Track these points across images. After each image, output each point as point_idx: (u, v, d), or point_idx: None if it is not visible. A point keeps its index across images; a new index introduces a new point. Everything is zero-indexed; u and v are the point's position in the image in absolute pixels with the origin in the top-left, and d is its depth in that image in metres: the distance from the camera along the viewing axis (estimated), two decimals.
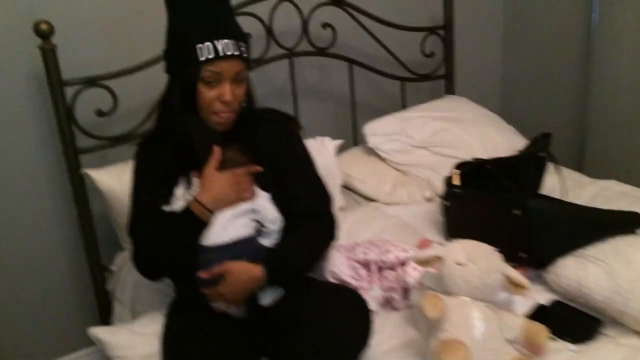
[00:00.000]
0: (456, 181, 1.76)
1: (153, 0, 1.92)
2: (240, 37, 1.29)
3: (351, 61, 2.31)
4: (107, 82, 1.82)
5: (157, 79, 1.97)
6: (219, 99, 1.27)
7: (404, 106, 2.51)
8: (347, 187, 2.12)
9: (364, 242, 1.59)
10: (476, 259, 1.19)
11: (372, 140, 2.18)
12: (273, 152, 1.39)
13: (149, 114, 1.93)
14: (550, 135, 1.88)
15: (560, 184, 1.74)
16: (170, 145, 1.33)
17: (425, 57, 2.50)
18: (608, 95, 2.46)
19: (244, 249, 1.28)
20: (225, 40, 1.23)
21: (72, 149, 1.79)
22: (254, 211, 1.32)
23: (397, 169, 2.18)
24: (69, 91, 1.76)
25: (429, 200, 2.01)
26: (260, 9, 2.03)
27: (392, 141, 2.19)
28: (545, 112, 2.76)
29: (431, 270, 1.25)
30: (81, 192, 1.84)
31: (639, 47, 2.31)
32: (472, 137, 2.18)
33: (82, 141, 1.82)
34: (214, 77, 1.25)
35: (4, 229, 1.93)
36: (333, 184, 1.90)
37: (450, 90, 2.60)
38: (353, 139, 2.39)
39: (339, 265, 1.46)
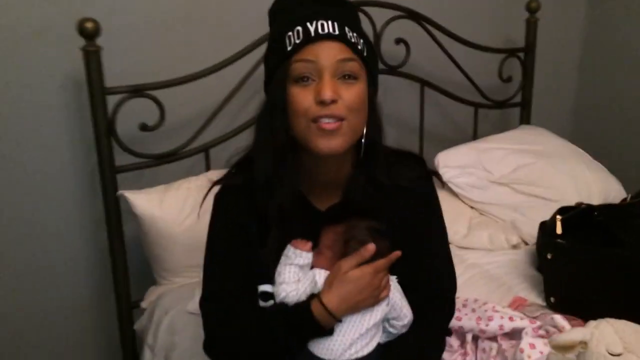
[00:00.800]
0: (559, 230, 1.47)
1: (206, 6, 1.84)
2: (347, 20, 0.95)
3: (424, 82, 2.05)
4: (154, 93, 1.59)
5: (206, 92, 1.85)
6: (316, 99, 0.92)
7: (475, 135, 2.25)
8: None
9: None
10: (638, 349, 0.90)
11: (445, 173, 1.90)
12: (408, 217, 1.06)
13: (198, 131, 1.69)
14: None
15: None
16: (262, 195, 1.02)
17: (502, 82, 2.23)
18: None
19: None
20: (322, 21, 0.92)
21: (110, 167, 1.55)
22: (388, 313, 1.03)
23: (472, 207, 1.90)
24: (111, 100, 1.53)
25: (514, 247, 1.72)
26: None
27: (468, 175, 1.91)
28: (624, 147, 2.46)
29: (569, 357, 0.96)
30: (115, 216, 1.60)
31: None
32: (561, 175, 1.89)
33: (119, 158, 1.59)
34: (307, 70, 0.92)
35: (24, 247, 1.70)
36: None
37: (526, 119, 2.32)
38: None
39: None
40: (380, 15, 1.89)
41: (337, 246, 1.03)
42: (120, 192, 1.57)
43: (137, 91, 1.55)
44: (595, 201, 1.87)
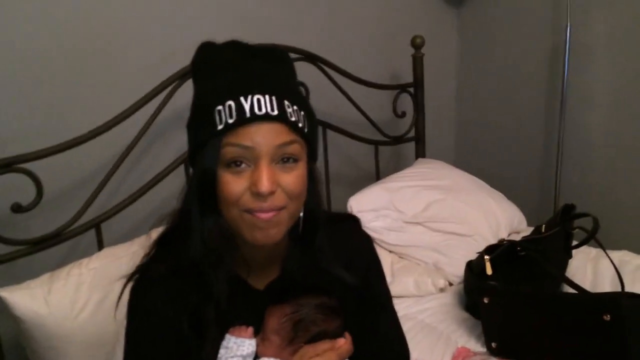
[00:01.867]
0: (489, 270, 1.46)
1: (81, 53, 1.60)
2: (286, 91, 0.80)
3: (326, 125, 1.98)
4: (27, 166, 1.32)
5: (87, 157, 1.59)
6: (251, 189, 0.78)
7: (377, 173, 2.22)
8: None
9: None
10: None
11: (360, 218, 1.82)
12: (351, 286, 0.94)
13: (80, 211, 1.44)
14: (574, 207, 1.65)
15: (616, 269, 1.47)
16: (191, 286, 0.86)
17: (397, 117, 2.24)
18: (579, 152, 2.33)
19: None
20: (258, 96, 0.77)
21: None
22: None
23: (391, 251, 1.84)
24: None
25: (442, 290, 1.68)
26: None
27: (383, 217, 1.85)
28: (504, 168, 2.61)
29: None
30: None
31: (609, 103, 2.21)
32: (471, 209, 1.90)
33: None
34: (241, 155, 0.77)
35: None
36: None
37: (421, 152, 2.35)
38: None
39: None
40: None
41: (284, 330, 0.89)
42: None
43: (7, 165, 1.28)
44: (504, 231, 1.92)
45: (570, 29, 2.17)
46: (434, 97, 2.50)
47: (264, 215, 0.79)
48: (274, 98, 0.78)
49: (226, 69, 0.82)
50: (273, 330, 0.89)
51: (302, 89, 1.89)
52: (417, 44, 2.22)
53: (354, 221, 1.07)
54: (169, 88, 1.56)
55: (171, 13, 1.70)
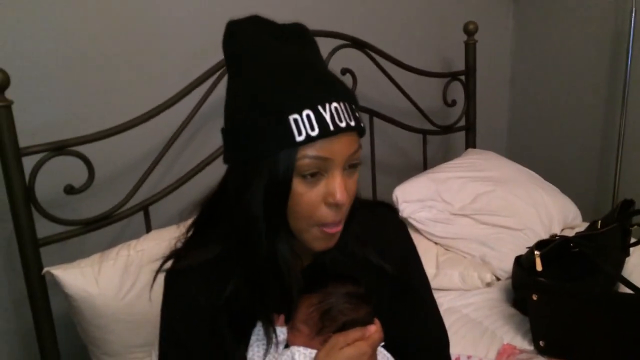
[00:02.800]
0: (539, 266, 1.40)
1: (128, 45, 1.61)
2: (349, 93, 0.78)
3: (373, 113, 1.95)
4: (79, 149, 1.36)
5: (136, 142, 1.63)
6: (325, 200, 0.77)
7: (425, 163, 2.17)
8: None
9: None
10: None
11: (405, 209, 1.80)
12: (388, 275, 0.92)
13: (135, 187, 1.47)
14: (633, 203, 1.56)
15: None
16: (237, 276, 0.84)
17: (447, 106, 2.18)
18: None
19: None
20: (335, 104, 0.74)
21: (32, 241, 1.30)
22: None
23: (436, 243, 1.80)
24: (26, 162, 1.28)
25: (488, 285, 1.63)
26: None
27: (428, 209, 1.81)
28: (560, 161, 2.50)
29: None
30: (41, 298, 1.34)
31: None
32: (521, 202, 1.84)
33: (39, 224, 1.33)
34: (319, 167, 0.75)
35: None
36: None
37: (472, 142, 2.28)
38: None
39: None
40: (324, 44, 1.77)
41: (312, 320, 0.88)
42: (46, 269, 1.32)
43: (60, 148, 1.32)
44: (557, 225, 1.84)
45: (635, 14, 2.04)
46: (487, 86, 2.42)
47: (333, 230, 0.79)
48: (346, 105, 0.76)
49: (279, 61, 0.77)
50: (301, 320, 0.88)
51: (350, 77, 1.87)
52: (470, 30, 2.15)
53: (389, 209, 1.04)
54: (216, 74, 1.58)
55: (218, 0, 1.71)
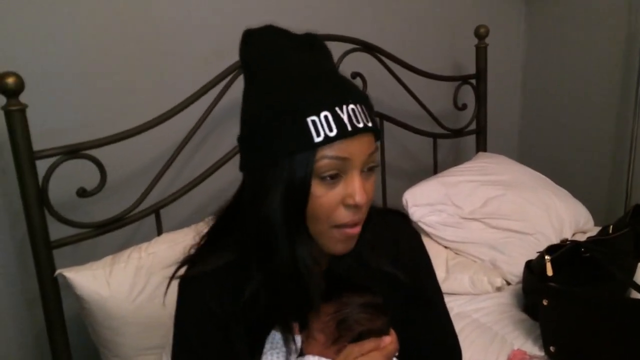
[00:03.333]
0: (550, 271, 1.39)
1: (141, 50, 1.62)
2: (364, 95, 0.80)
3: (383, 116, 1.95)
4: (92, 152, 1.38)
5: (147, 146, 1.64)
6: (344, 202, 0.77)
7: (435, 166, 2.17)
8: None
9: None
10: None
11: (415, 212, 1.80)
12: (401, 282, 0.92)
13: (147, 190, 1.49)
14: None
15: None
16: (255, 282, 0.83)
17: (458, 110, 2.18)
18: None
19: None
20: (352, 106, 0.75)
21: (45, 243, 1.32)
22: None
23: (446, 247, 1.80)
24: (40, 165, 1.30)
25: (498, 289, 1.62)
26: None
27: (438, 212, 1.81)
28: (571, 165, 2.48)
29: None
30: (54, 299, 1.36)
31: None
32: (532, 206, 1.83)
33: (52, 226, 1.35)
34: (338, 168, 0.75)
35: None
36: None
37: (482, 146, 2.28)
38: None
39: None
40: (334, 48, 1.77)
41: (328, 329, 0.88)
42: (59, 271, 1.34)
43: (73, 152, 1.34)
44: (568, 230, 1.83)
45: None
46: (498, 90, 2.41)
47: (353, 231, 0.79)
48: (363, 107, 0.77)
49: (296, 67, 0.79)
50: (317, 328, 0.88)
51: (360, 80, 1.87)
52: (481, 34, 2.15)
53: (402, 217, 1.05)
54: (227, 79, 1.59)
55: (231, 3, 1.72)
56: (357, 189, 0.76)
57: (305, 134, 0.73)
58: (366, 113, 0.77)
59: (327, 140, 0.73)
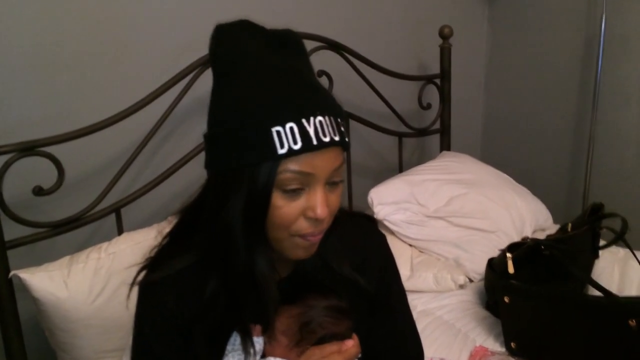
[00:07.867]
0: (511, 269, 1.42)
1: (101, 42, 1.58)
2: (336, 106, 0.77)
3: (349, 115, 1.95)
4: (49, 149, 1.33)
5: (107, 143, 1.60)
6: (305, 214, 0.76)
7: (400, 165, 2.19)
8: None
9: None
10: None
11: (380, 211, 1.80)
12: (365, 286, 0.91)
13: (106, 189, 1.45)
14: (603, 207, 1.59)
15: None
16: (214, 285, 0.82)
17: (422, 109, 2.20)
18: (610, 148, 2.25)
19: None
20: (320, 118, 0.72)
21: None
22: None
23: (411, 245, 1.81)
24: None
25: (461, 287, 1.64)
26: None
27: (403, 211, 1.82)
28: (532, 164, 2.54)
29: None
30: (9, 302, 1.30)
31: None
32: (494, 205, 1.86)
33: (6, 225, 1.29)
34: (301, 182, 0.74)
35: None
36: None
37: (446, 145, 2.30)
38: (348, 207, 2.01)
39: None
40: None
41: (291, 331, 0.87)
42: (13, 272, 1.29)
43: (28, 149, 1.29)
44: (529, 227, 1.87)
45: (605, 20, 2.09)
46: (461, 89, 2.44)
47: (313, 239, 0.78)
48: (332, 119, 0.74)
49: (266, 71, 0.76)
50: (281, 330, 0.87)
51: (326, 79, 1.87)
52: (445, 34, 2.17)
53: (368, 220, 1.05)
54: (190, 75, 1.56)
55: None
56: (319, 203, 0.74)
57: (269, 144, 0.71)
58: (334, 125, 0.74)
59: (291, 153, 0.71)
